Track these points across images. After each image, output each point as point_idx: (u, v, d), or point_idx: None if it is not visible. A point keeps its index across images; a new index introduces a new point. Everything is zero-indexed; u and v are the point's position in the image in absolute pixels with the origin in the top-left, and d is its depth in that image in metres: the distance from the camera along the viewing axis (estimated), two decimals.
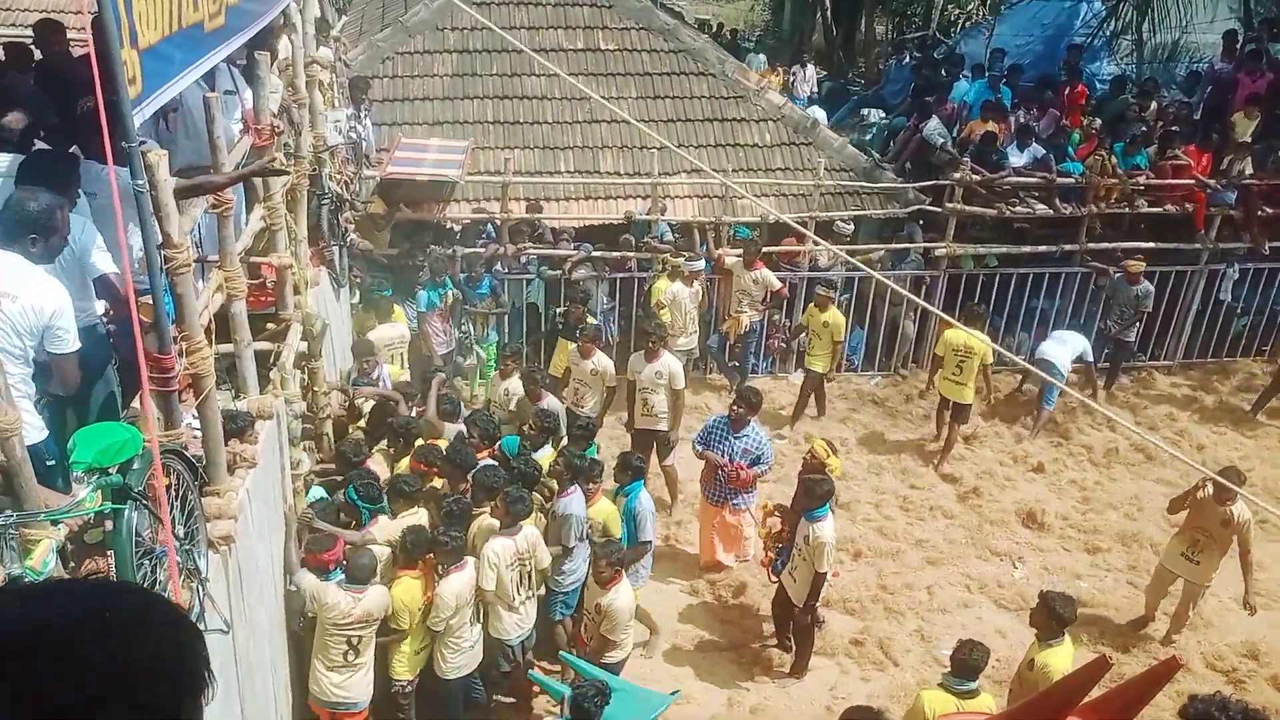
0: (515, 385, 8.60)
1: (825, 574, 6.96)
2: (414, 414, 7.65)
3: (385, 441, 7.40)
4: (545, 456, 7.33)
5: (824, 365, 10.44)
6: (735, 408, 8.02)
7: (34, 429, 3.61)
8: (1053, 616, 5.99)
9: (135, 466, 3.50)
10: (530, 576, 6.49)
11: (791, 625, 7.46)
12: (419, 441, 7.18)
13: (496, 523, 6.40)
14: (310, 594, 5.73)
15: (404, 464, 7.14)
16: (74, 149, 4.48)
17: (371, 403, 7.89)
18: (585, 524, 6.96)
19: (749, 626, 7.94)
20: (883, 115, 14.43)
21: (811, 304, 10.47)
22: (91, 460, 3.33)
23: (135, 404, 4.34)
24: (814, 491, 6.98)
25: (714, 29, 23.61)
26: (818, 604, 7.15)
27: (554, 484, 7.05)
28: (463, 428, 7.65)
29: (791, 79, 16.86)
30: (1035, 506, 9.45)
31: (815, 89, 16.92)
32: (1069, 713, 4.21)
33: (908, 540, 9.00)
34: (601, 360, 9.02)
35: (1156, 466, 10.22)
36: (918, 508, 9.48)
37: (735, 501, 8.11)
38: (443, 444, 7.14)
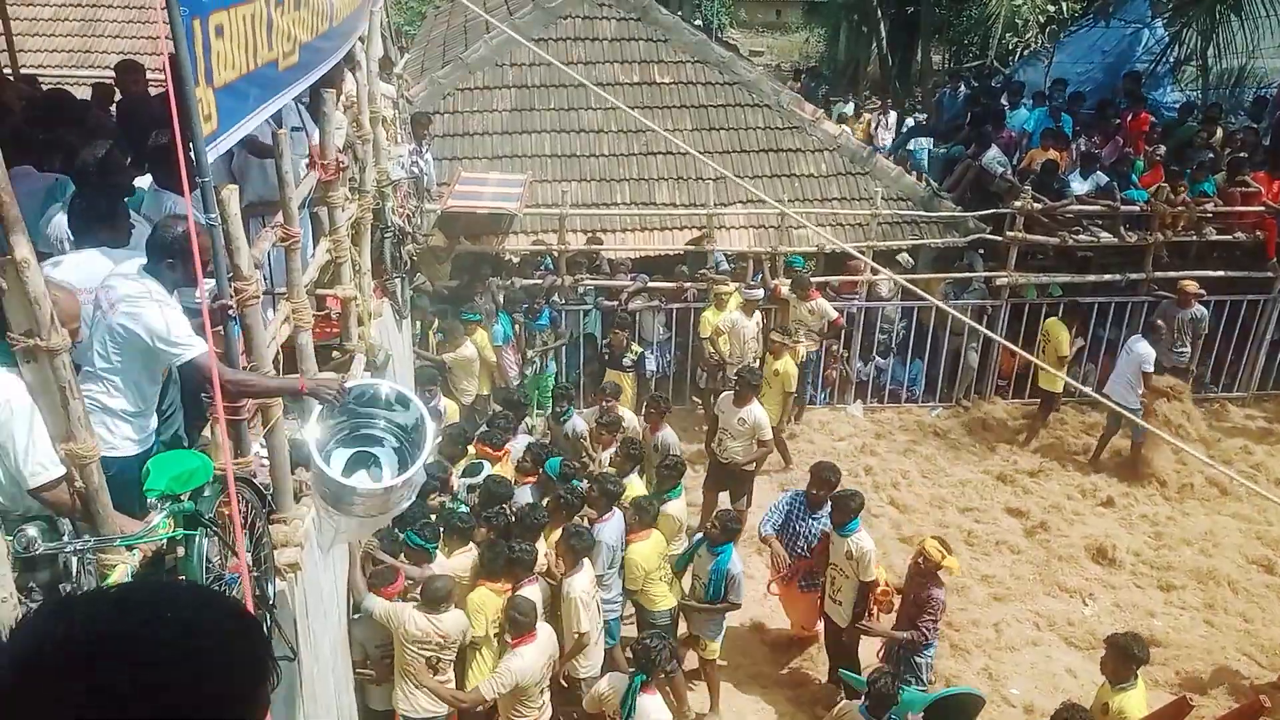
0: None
1: (874, 581, 6.94)
2: None
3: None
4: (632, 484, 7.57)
5: (773, 416, 9.48)
6: (812, 490, 7.39)
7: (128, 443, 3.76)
8: (1128, 659, 5.75)
9: (206, 494, 3.57)
10: (600, 608, 6.57)
11: (831, 649, 7.43)
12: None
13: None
14: (386, 617, 5.81)
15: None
16: (115, 183, 4.59)
17: None
18: (617, 552, 6.90)
19: (807, 668, 7.82)
20: (936, 145, 14.32)
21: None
22: (164, 487, 3.39)
23: (206, 432, 4.42)
24: (848, 507, 6.98)
25: (807, 73, 23.31)
26: (866, 615, 7.04)
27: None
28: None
29: (874, 125, 16.68)
30: (1105, 542, 9.19)
31: (897, 134, 16.60)
32: None
33: (973, 576, 8.79)
34: (755, 412, 8.55)
35: (1232, 501, 9.90)
36: (983, 542, 9.28)
37: (803, 583, 7.56)
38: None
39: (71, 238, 4.55)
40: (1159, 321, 10.69)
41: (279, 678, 1.19)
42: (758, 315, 10.34)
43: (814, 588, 7.48)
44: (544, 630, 6.08)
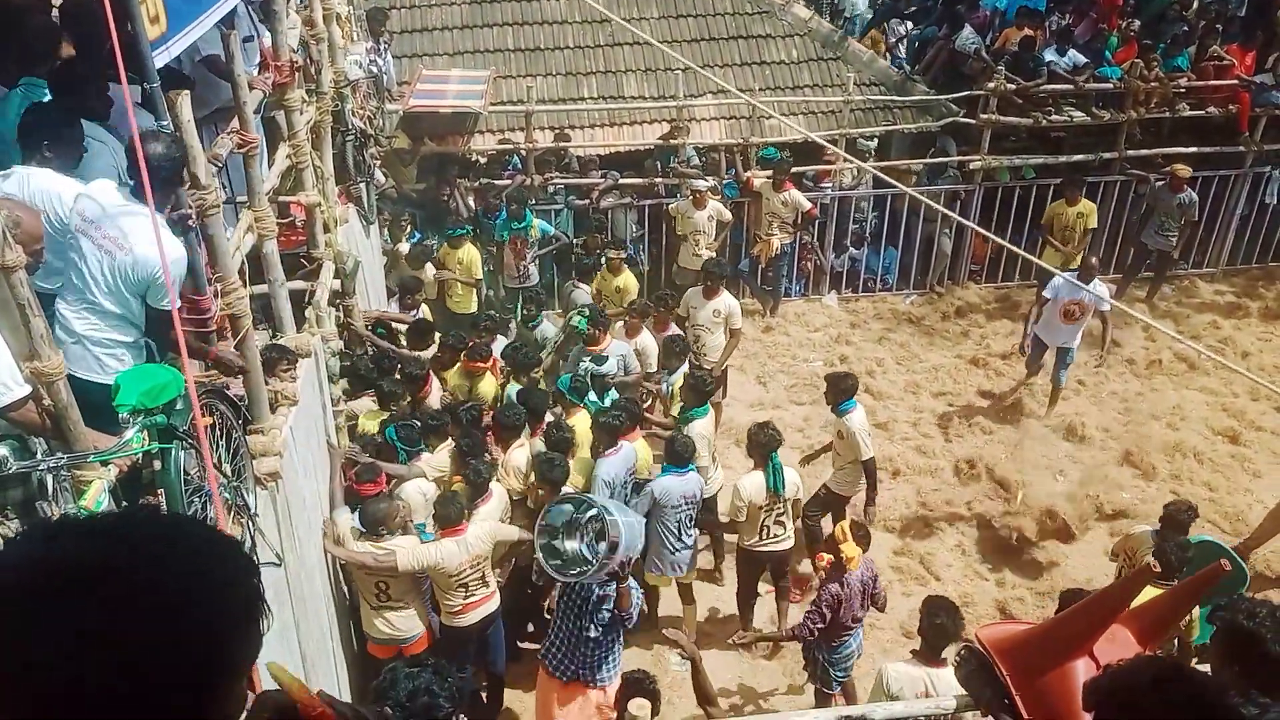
0: (646, 341, 8.10)
1: (873, 458, 7.08)
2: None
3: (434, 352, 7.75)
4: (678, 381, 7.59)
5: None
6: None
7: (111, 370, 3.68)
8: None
9: (178, 407, 3.55)
10: None
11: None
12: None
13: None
14: (339, 534, 5.67)
15: (454, 373, 7.58)
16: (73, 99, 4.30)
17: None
18: (622, 484, 6.51)
19: None
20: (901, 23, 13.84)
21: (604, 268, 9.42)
22: (135, 402, 3.38)
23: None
24: (840, 386, 7.08)
25: None
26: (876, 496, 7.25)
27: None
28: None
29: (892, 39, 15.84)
30: (1075, 420, 9.38)
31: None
32: (1113, 620, 4.22)
33: (946, 458, 8.99)
34: (727, 301, 8.62)
35: (1200, 375, 10.10)
36: (956, 425, 9.45)
37: (596, 677, 5.47)
38: None
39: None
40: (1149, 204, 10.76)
41: (271, 622, 1.15)
42: (710, 206, 10.08)
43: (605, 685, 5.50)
44: (475, 529, 5.82)
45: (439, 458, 6.51)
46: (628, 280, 9.36)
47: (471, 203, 10.29)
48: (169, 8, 3.82)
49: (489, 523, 6.00)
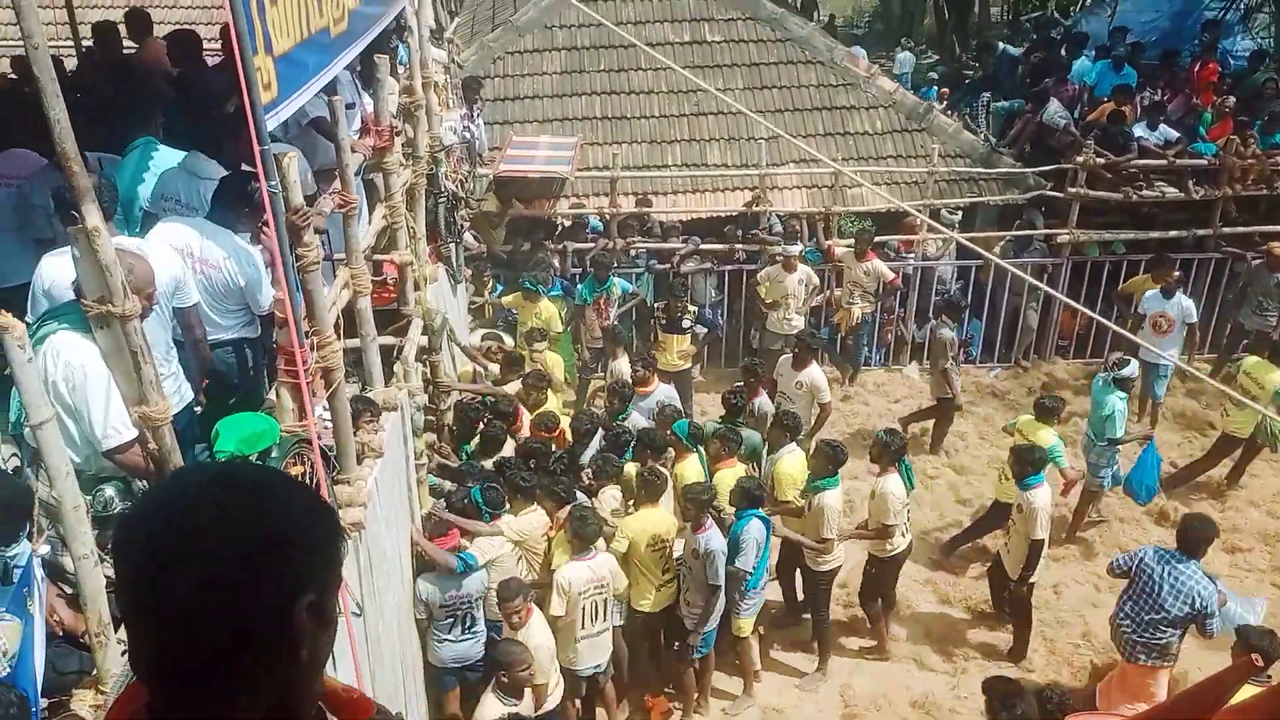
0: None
1: (1042, 541, 7.05)
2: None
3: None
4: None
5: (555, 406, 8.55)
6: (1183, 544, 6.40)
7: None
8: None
9: (273, 455, 3.66)
10: (606, 605, 6.28)
11: (1008, 603, 7.52)
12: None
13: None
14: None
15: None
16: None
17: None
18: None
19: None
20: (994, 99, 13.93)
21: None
22: (234, 448, 3.50)
23: (271, 395, 4.52)
24: (1027, 459, 7.13)
25: (823, 19, 22.70)
26: (1032, 576, 7.21)
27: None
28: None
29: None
30: (1168, 505, 9.02)
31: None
32: (1211, 718, 4.00)
33: None
34: (813, 374, 8.53)
35: None
36: None
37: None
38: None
39: (181, 199, 4.69)
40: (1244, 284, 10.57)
41: (346, 549, 1.31)
42: (800, 270, 10.07)
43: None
44: (536, 616, 5.94)
45: (521, 522, 6.45)
46: (548, 358, 9.00)
47: (556, 263, 10.47)
48: (280, 74, 4.02)
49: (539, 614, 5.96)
